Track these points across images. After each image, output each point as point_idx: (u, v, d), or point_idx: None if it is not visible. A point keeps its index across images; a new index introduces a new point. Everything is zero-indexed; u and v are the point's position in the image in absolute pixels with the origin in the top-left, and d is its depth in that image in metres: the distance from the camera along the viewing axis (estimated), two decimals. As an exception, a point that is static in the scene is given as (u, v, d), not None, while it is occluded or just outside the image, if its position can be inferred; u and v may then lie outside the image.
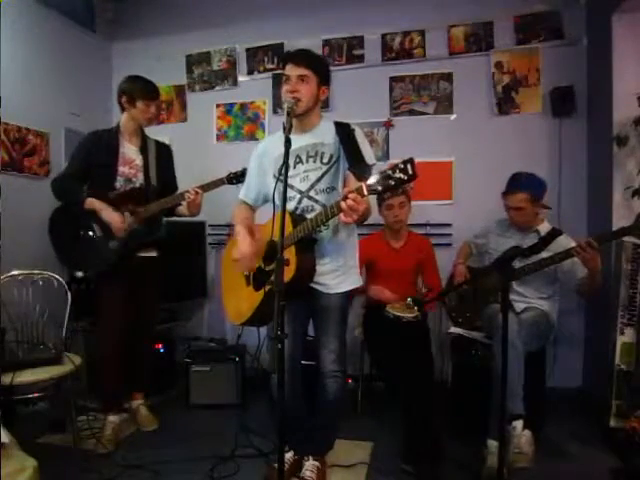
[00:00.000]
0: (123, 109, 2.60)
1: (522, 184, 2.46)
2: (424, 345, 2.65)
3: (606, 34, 2.77)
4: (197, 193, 2.51)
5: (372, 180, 1.55)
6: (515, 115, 3.27)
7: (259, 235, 2.02)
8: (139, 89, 2.54)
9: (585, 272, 2.28)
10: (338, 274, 2.00)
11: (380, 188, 1.54)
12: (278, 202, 1.70)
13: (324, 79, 1.95)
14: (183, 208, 2.69)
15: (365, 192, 1.58)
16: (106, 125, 2.71)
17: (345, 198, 1.60)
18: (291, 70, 1.88)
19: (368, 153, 1.86)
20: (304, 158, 1.97)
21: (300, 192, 1.96)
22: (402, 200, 2.73)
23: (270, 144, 2.09)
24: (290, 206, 1.92)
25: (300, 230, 1.83)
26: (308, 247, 1.91)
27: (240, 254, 1.98)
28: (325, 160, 1.96)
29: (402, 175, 1.49)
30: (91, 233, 2.53)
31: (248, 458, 2.39)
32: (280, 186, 1.60)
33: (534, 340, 2.37)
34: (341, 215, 1.65)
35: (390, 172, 1.51)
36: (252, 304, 1.99)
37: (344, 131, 1.92)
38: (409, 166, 1.49)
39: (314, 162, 1.96)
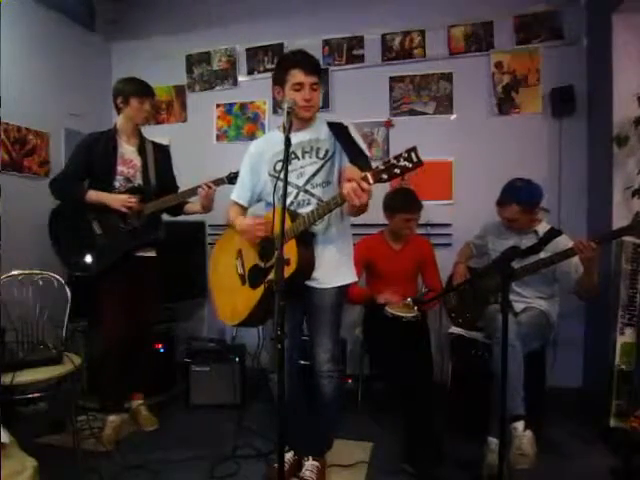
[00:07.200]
0: (119, 111, 2.61)
1: (515, 195, 2.41)
2: (424, 345, 2.66)
3: (606, 34, 2.77)
4: (210, 187, 2.53)
5: (378, 169, 1.57)
6: (515, 115, 3.27)
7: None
8: (131, 88, 2.56)
9: (582, 272, 2.27)
10: (331, 267, 2.00)
11: (386, 176, 1.56)
12: (275, 200, 1.71)
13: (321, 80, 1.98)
14: (194, 205, 2.70)
15: (371, 180, 1.59)
16: (106, 125, 2.71)
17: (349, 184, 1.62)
18: (304, 78, 1.87)
19: (364, 147, 1.89)
20: (300, 154, 1.98)
21: (297, 187, 1.98)
22: (418, 216, 2.78)
23: (264, 144, 2.10)
24: (287, 201, 1.91)
25: (300, 223, 1.84)
26: (307, 241, 1.91)
27: (245, 225, 1.99)
28: (321, 155, 1.98)
29: (407, 163, 1.51)
30: (92, 235, 2.54)
31: (248, 458, 2.39)
32: (278, 184, 1.60)
33: (534, 340, 2.37)
34: (348, 200, 1.66)
35: (395, 161, 1.53)
36: (249, 303, 1.98)
37: (339, 129, 1.93)
38: (413, 154, 1.50)
39: (310, 157, 1.98)
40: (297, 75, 1.88)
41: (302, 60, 1.92)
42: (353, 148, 1.84)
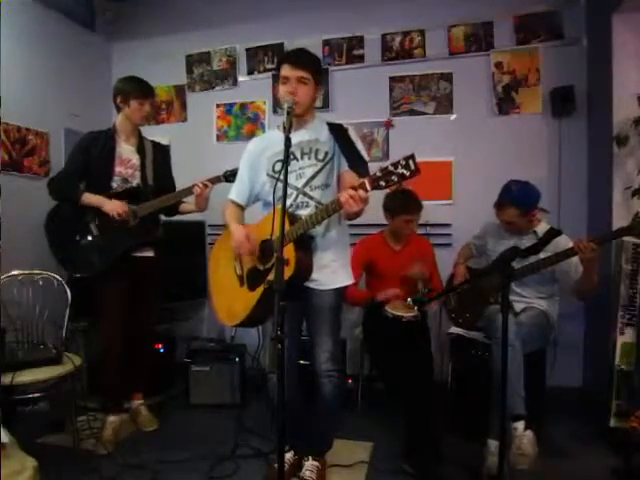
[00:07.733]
0: (119, 110, 2.60)
1: (512, 198, 2.41)
2: (424, 345, 2.66)
3: (606, 34, 2.76)
4: (206, 186, 2.53)
5: (375, 176, 1.57)
6: (515, 115, 3.26)
7: (252, 234, 2.02)
8: (132, 88, 2.55)
9: (582, 271, 2.27)
10: (330, 270, 2.00)
11: (383, 184, 1.56)
12: (274, 201, 1.71)
13: (320, 79, 1.98)
14: (189, 205, 2.70)
15: (369, 187, 1.59)
16: (106, 125, 2.71)
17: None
18: (290, 71, 1.89)
19: (362, 151, 1.89)
20: (299, 155, 1.98)
21: (296, 189, 1.97)
22: (418, 217, 2.79)
23: (262, 143, 2.10)
24: (286, 203, 1.92)
25: (299, 227, 1.83)
26: (306, 244, 1.91)
27: (236, 240, 1.97)
28: (320, 157, 1.98)
29: (404, 171, 1.51)
30: (89, 236, 2.54)
31: (248, 458, 2.39)
32: (278, 185, 1.60)
33: (534, 340, 2.36)
34: (345, 208, 1.66)
35: (392, 168, 1.53)
36: (247, 304, 1.97)
37: (339, 131, 1.94)
38: (411, 162, 1.51)
39: (309, 159, 1.98)
40: (284, 69, 1.90)
41: (291, 55, 1.96)
42: (352, 152, 1.84)
